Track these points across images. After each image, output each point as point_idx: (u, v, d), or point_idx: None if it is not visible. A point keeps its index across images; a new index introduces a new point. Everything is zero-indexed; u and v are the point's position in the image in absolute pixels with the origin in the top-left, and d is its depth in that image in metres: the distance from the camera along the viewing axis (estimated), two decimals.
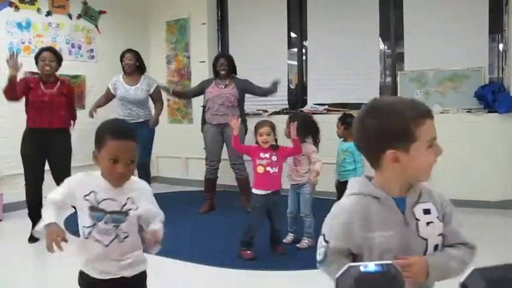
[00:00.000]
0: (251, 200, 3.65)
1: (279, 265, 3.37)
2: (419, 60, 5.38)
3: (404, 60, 5.54)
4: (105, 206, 1.64)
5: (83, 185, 1.68)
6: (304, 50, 6.23)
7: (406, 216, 1.21)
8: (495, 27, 5.09)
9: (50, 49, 4.26)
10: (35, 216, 3.89)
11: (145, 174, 5.19)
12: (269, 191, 3.48)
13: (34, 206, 3.92)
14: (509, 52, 4.92)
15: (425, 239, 1.21)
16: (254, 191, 3.54)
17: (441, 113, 5.11)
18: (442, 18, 5.22)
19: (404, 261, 1.12)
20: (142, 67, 5.32)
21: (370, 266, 0.66)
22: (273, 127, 3.56)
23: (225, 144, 5.11)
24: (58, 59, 4.22)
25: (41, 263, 3.78)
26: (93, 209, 1.64)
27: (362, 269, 0.66)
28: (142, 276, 1.77)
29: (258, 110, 6.04)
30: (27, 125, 4.09)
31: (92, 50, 6.10)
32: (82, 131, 5.85)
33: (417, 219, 1.21)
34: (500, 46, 5.14)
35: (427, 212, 1.23)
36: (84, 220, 1.67)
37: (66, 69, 5.69)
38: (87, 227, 1.66)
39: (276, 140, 3.59)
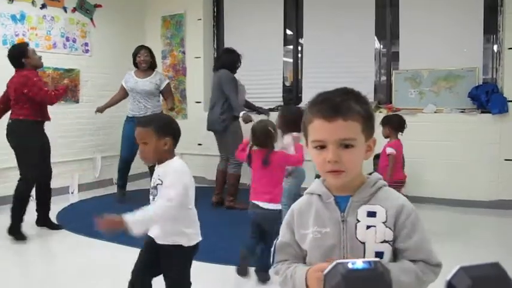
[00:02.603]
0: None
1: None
2: (414, 59, 5.40)
3: (399, 60, 5.55)
4: (152, 183, 2.11)
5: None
6: (299, 48, 6.23)
7: (345, 215, 1.16)
8: (490, 28, 5.11)
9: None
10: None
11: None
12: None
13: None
14: (503, 53, 4.94)
15: (363, 243, 1.13)
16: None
17: (435, 112, 5.14)
18: (438, 19, 5.24)
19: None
20: (154, 63, 5.44)
21: (357, 263, 0.67)
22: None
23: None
24: None
25: (30, 259, 3.78)
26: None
27: (350, 265, 0.67)
28: (173, 248, 2.07)
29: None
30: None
31: (86, 44, 6.07)
32: (78, 124, 5.88)
33: (358, 220, 1.15)
34: (495, 47, 5.16)
35: (371, 214, 1.15)
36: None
37: (61, 62, 5.69)
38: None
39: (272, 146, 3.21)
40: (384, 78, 5.73)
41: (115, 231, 1.87)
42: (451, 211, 4.79)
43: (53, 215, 4.44)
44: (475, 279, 0.62)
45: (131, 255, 3.64)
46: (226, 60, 5.20)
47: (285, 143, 3.68)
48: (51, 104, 4.10)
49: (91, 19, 6.13)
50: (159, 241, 2.08)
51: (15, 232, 3.90)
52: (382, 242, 1.12)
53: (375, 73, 5.75)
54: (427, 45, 5.28)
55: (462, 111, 5.05)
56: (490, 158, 4.87)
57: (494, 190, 4.89)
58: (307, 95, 6.01)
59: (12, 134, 4.01)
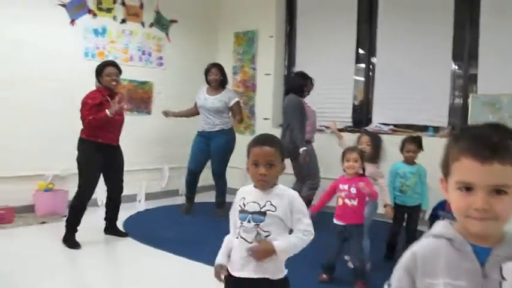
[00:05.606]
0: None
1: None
2: (493, 83, 5.08)
3: (477, 82, 5.27)
4: (248, 208, 1.89)
5: (238, 196, 1.97)
6: (371, 67, 6.10)
7: (486, 269, 1.00)
8: None
9: (114, 63, 4.27)
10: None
11: (220, 183, 5.37)
12: (344, 223, 3.28)
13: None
14: None
15: None
16: (334, 220, 3.36)
17: None
18: None
19: None
20: (225, 81, 5.48)
21: None
22: (361, 155, 3.35)
23: None
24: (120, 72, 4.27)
25: (92, 264, 3.88)
26: (241, 211, 1.91)
27: None
28: (282, 282, 1.92)
29: (320, 126, 5.92)
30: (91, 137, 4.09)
31: (161, 58, 6.28)
32: (149, 135, 6.06)
33: (503, 278, 0.98)
34: None
35: None
36: (237, 222, 1.92)
37: (136, 75, 5.92)
38: (237, 228, 1.91)
39: (363, 170, 3.36)
40: (459, 101, 5.44)
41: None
42: None
43: (120, 222, 4.58)
44: None
45: (192, 268, 3.66)
46: (293, 84, 5.31)
47: (377, 175, 3.79)
48: (86, 128, 4.05)
49: (166, 34, 6.35)
50: (273, 277, 1.88)
51: (67, 239, 4.01)
52: None
53: (450, 96, 5.47)
54: (508, 67, 4.97)
55: None
56: None
57: None
58: (377, 116, 5.86)
59: (78, 150, 4.14)
